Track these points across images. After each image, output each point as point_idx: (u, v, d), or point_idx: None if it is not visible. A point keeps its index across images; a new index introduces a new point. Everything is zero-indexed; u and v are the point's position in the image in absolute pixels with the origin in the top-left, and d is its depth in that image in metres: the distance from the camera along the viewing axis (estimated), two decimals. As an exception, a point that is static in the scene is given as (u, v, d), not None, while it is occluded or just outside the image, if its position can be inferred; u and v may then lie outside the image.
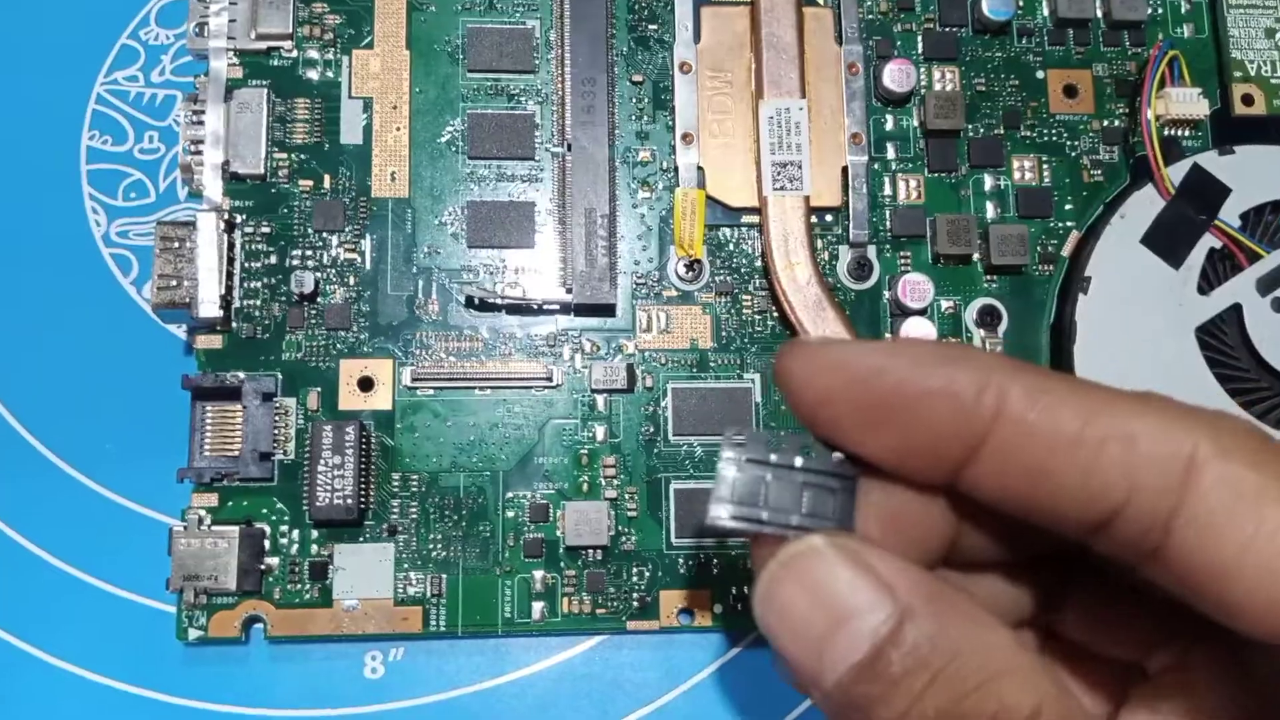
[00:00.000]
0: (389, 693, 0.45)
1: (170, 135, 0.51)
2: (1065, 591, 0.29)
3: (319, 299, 0.46)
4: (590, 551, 0.45)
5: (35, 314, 0.48)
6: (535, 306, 0.46)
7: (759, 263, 0.47)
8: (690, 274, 0.47)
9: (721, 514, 0.26)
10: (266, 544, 0.44)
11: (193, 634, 0.43)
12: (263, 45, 0.47)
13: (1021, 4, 0.49)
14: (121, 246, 0.50)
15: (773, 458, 0.26)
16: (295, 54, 0.47)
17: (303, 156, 0.47)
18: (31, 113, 0.51)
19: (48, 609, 0.45)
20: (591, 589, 0.44)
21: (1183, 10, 0.50)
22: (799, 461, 0.26)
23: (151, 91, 0.52)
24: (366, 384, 0.45)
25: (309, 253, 0.46)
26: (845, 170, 0.47)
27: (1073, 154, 0.49)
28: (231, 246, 0.45)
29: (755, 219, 0.47)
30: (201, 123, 0.46)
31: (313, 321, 0.45)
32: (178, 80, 0.52)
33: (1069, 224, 0.48)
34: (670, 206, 0.47)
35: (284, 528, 0.44)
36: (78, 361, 0.48)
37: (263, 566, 0.44)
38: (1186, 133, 0.49)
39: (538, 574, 0.45)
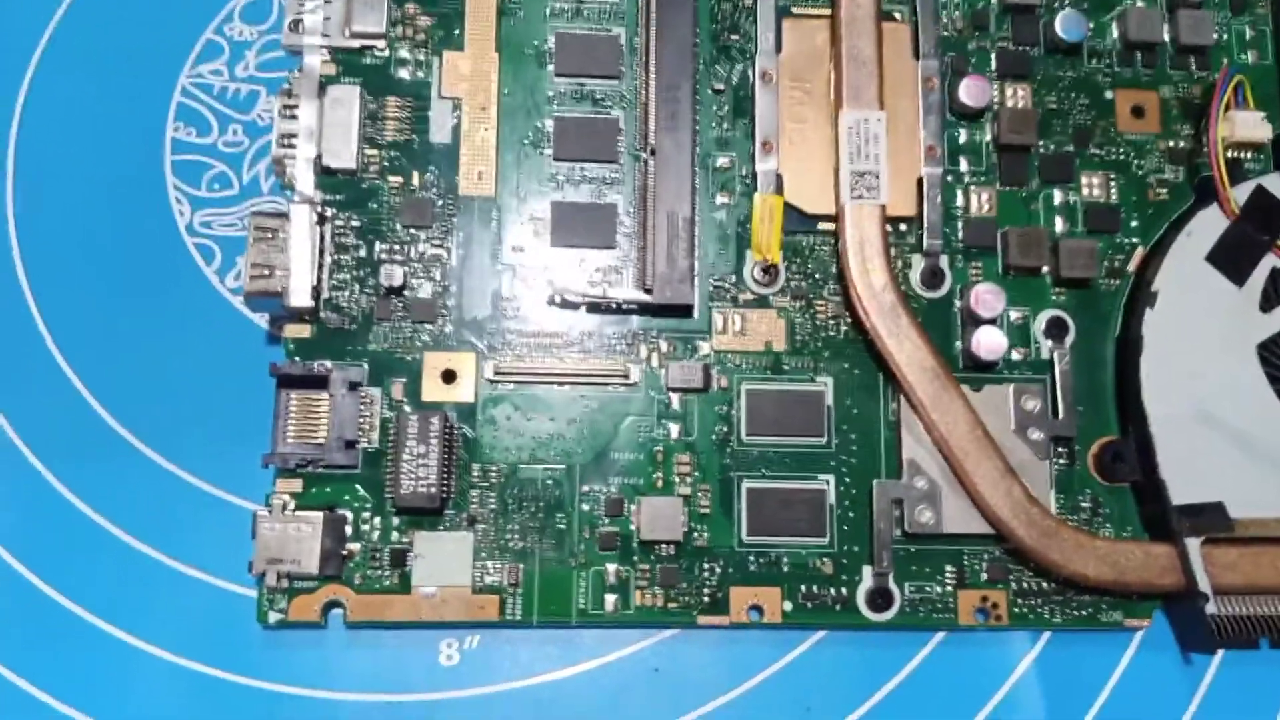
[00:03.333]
0: (463, 680, 0.46)
1: (254, 128, 0.52)
2: None
3: (406, 292, 0.47)
4: (663, 546, 0.46)
5: (121, 302, 0.49)
6: (615, 305, 0.47)
7: (834, 269, 0.48)
8: (766, 278, 0.48)
9: None
10: (348, 530, 0.45)
11: (273, 617, 0.44)
12: (356, 44, 0.48)
13: (1092, 26, 0.51)
14: (205, 236, 0.51)
15: None
16: (387, 53, 0.48)
17: (393, 154, 0.48)
18: (118, 106, 0.52)
19: (133, 592, 0.46)
20: (664, 583, 0.45)
21: (1247, 36, 0.52)
22: None
23: (235, 86, 0.53)
24: (450, 376, 0.46)
25: (396, 247, 0.47)
26: (920, 181, 0.48)
27: (1139, 173, 0.50)
28: (322, 238, 0.46)
29: (831, 226, 0.48)
30: (295, 117, 0.47)
31: (399, 314, 0.46)
32: (261, 76, 0.53)
33: (1135, 240, 0.49)
34: (748, 212, 0.48)
35: (366, 514, 0.45)
36: (162, 349, 0.49)
37: (344, 552, 0.45)
38: (1249, 155, 0.50)
39: (611, 567, 0.45)
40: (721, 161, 0.49)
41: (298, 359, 0.46)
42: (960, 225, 0.49)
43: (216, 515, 0.47)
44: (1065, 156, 0.50)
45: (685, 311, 0.47)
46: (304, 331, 0.46)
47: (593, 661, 0.46)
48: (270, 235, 0.46)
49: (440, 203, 0.47)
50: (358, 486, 0.45)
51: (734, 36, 0.50)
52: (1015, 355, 0.48)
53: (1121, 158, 0.50)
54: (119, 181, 0.51)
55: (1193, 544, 0.45)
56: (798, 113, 0.49)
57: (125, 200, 0.51)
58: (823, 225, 0.48)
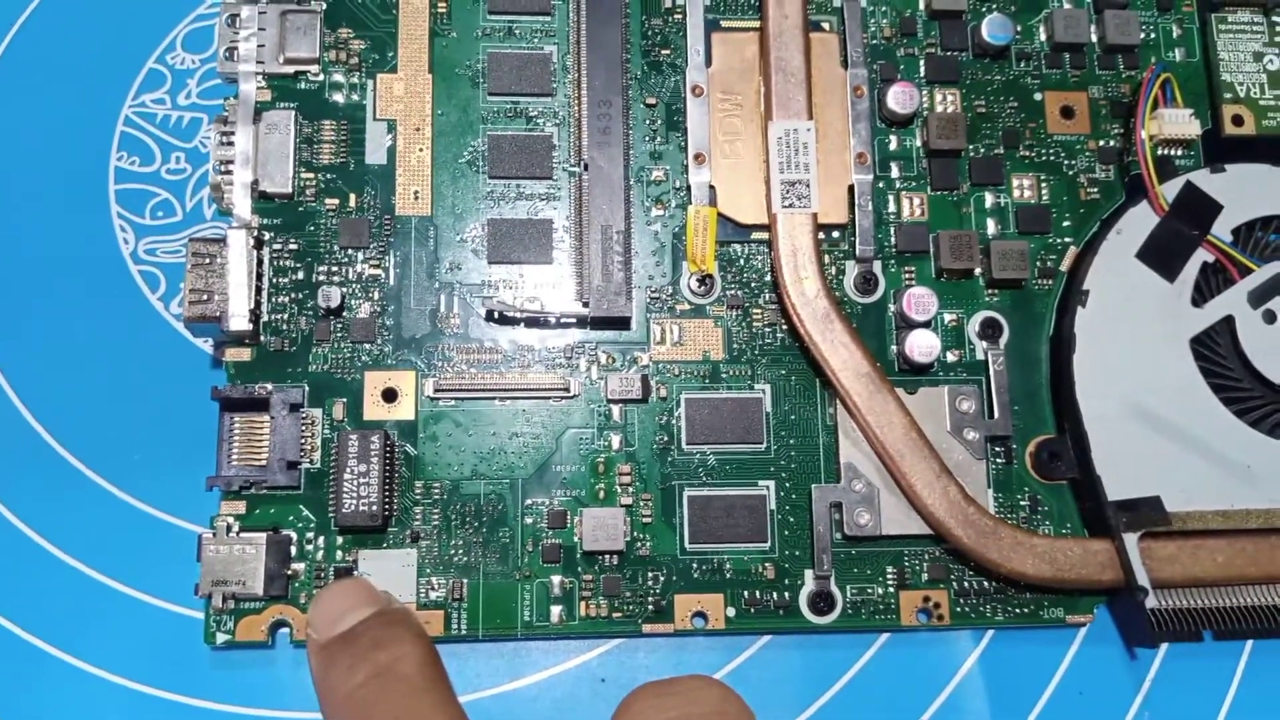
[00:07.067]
0: (411, 695, 0.46)
1: (196, 156, 0.53)
2: None
3: (345, 313, 0.47)
4: (606, 556, 0.46)
5: (65, 329, 0.50)
6: (553, 320, 0.48)
7: (768, 277, 0.49)
8: (702, 288, 0.49)
9: None
10: (293, 550, 0.45)
11: (220, 638, 0.45)
12: (290, 69, 0.49)
13: (1019, 29, 0.51)
14: (149, 264, 0.51)
15: None
16: (322, 77, 0.49)
17: (329, 176, 0.48)
18: (62, 135, 0.53)
19: (79, 616, 0.47)
20: (608, 593, 0.46)
21: (1174, 35, 0.52)
22: None
23: (178, 114, 0.53)
24: (390, 395, 0.47)
25: (335, 269, 0.47)
26: (851, 189, 0.49)
27: (1070, 173, 0.50)
28: (260, 262, 0.47)
29: (765, 235, 0.49)
30: (231, 143, 0.47)
31: (338, 335, 0.47)
32: (203, 103, 0.54)
33: (1067, 240, 0.50)
34: (683, 224, 0.49)
35: (310, 534, 0.46)
36: (107, 375, 0.49)
37: (289, 572, 0.45)
38: (1179, 152, 0.51)
39: (556, 579, 0.46)
40: (655, 175, 0.49)
41: (239, 382, 0.46)
42: (892, 230, 0.49)
43: (162, 538, 0.47)
44: (995, 159, 0.50)
45: (623, 323, 0.48)
46: (244, 355, 0.47)
47: (539, 674, 0.47)
48: (208, 260, 0.46)
49: (377, 223, 0.48)
50: (301, 507, 0.46)
51: (665, 51, 0.50)
52: (950, 357, 0.49)
53: (1052, 158, 0.51)
54: (64, 211, 0.52)
55: (1130, 539, 0.46)
56: (729, 125, 0.49)
57: (70, 229, 0.51)
58: (756, 235, 0.49)
